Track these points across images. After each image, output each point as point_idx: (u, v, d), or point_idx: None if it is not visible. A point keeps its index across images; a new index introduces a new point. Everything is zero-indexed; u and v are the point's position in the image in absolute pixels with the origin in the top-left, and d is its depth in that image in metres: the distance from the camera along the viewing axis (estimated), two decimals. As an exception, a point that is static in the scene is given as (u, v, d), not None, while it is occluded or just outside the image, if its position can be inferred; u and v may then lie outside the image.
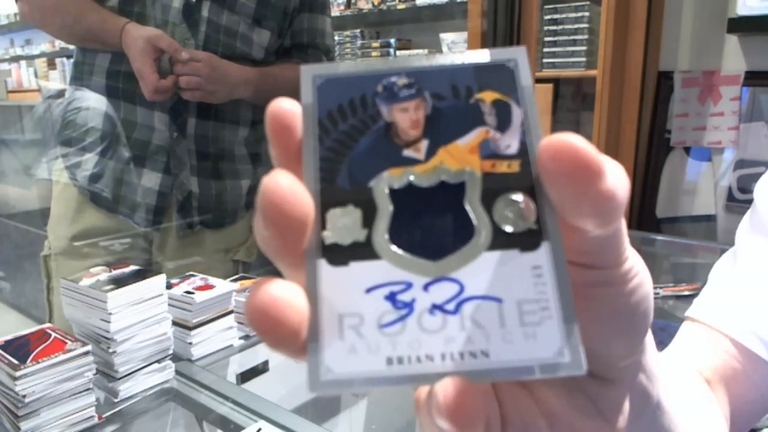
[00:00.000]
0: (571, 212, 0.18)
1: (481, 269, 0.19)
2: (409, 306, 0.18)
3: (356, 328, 0.18)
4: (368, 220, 0.19)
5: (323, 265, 0.19)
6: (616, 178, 0.18)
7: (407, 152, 0.20)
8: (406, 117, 0.20)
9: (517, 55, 0.20)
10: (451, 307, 0.18)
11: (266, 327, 0.17)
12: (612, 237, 0.20)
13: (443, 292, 0.18)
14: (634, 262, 0.22)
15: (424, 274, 0.19)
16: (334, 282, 0.18)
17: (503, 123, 0.20)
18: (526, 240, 0.19)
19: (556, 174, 0.18)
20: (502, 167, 0.19)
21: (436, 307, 0.18)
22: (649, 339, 0.26)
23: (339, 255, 0.19)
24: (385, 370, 0.18)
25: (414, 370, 0.18)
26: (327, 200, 0.19)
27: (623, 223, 0.20)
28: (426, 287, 0.19)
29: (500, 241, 0.19)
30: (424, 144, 0.20)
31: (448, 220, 0.19)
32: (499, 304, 0.18)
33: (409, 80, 0.20)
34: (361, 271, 0.19)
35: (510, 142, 0.20)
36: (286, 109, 0.19)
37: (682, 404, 0.33)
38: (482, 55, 0.21)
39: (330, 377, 0.18)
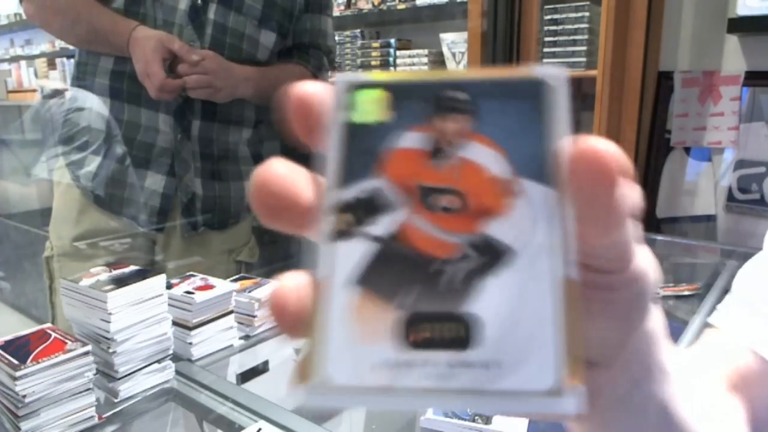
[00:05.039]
0: (588, 216, 0.19)
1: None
2: None
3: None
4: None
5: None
6: (632, 188, 0.19)
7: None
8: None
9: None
10: None
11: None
12: (620, 244, 0.21)
13: None
14: (641, 267, 0.22)
15: None
16: None
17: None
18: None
19: (584, 174, 0.18)
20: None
21: None
22: (655, 325, 0.27)
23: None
24: None
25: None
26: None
27: (633, 229, 0.21)
28: None
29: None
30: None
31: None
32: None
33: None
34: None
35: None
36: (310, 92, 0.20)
37: (694, 401, 0.33)
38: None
39: None
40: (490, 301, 0.18)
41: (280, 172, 0.19)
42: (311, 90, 0.20)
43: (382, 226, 0.19)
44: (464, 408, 0.17)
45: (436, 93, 0.20)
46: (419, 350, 0.18)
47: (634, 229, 0.21)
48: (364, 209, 0.19)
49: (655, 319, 0.27)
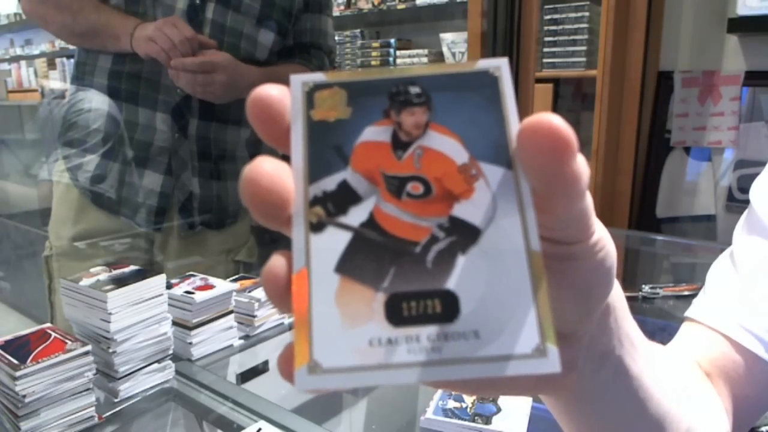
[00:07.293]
0: (544, 190, 0.20)
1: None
2: None
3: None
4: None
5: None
6: (582, 160, 0.20)
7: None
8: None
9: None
10: None
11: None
12: (579, 214, 0.22)
13: None
14: (600, 235, 0.23)
15: None
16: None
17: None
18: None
19: (534, 150, 0.19)
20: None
21: None
22: (621, 304, 0.27)
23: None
24: None
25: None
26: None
27: (589, 201, 0.22)
28: None
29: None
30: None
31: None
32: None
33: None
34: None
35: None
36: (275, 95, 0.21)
37: (671, 384, 0.33)
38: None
39: None
40: (464, 277, 0.19)
41: (268, 169, 0.20)
42: (270, 93, 0.21)
43: (355, 215, 0.20)
44: (453, 377, 0.18)
45: (391, 89, 0.22)
46: (402, 328, 0.19)
47: (589, 199, 0.22)
48: (336, 201, 0.21)
49: (619, 294, 0.27)
